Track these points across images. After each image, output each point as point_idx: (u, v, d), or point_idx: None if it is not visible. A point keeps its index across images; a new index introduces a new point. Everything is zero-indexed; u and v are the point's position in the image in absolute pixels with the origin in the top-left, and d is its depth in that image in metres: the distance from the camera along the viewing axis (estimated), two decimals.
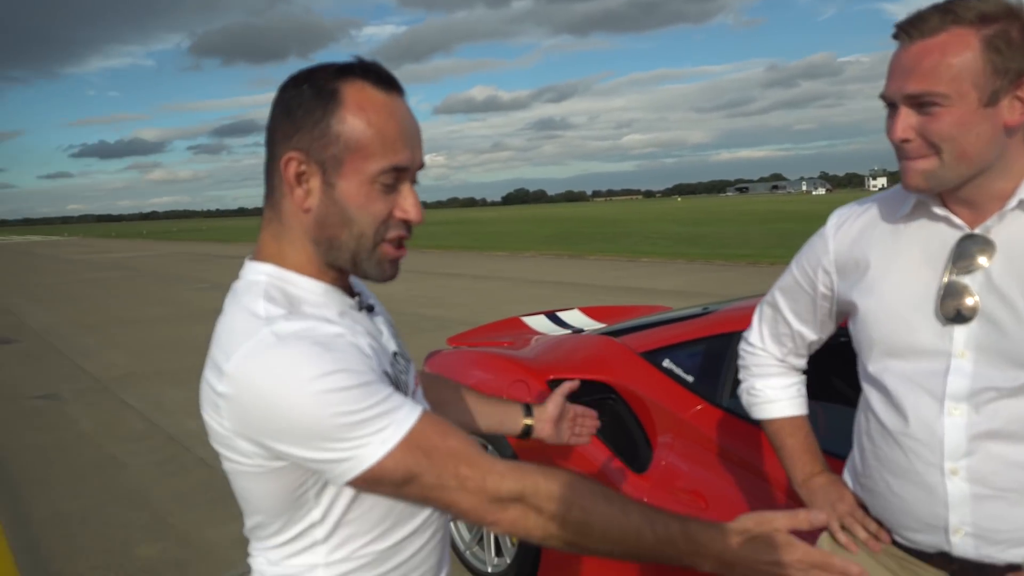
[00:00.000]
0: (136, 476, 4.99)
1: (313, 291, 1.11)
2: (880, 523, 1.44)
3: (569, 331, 4.22)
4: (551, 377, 3.09)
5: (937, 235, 1.29)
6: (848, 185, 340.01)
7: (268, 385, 0.98)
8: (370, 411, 0.99)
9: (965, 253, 1.25)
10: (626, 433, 2.81)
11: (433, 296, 13.26)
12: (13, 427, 6.30)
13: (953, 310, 1.26)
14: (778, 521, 1.02)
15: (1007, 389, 1.23)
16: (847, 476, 1.55)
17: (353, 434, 0.99)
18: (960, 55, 1.14)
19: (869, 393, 1.40)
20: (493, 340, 4.15)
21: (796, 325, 1.56)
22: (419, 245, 30.10)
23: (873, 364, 1.36)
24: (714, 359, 2.73)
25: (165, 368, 8.26)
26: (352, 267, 1.12)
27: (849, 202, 1.47)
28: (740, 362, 1.69)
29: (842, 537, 1.49)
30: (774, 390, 1.62)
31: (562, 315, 4.69)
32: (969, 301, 1.25)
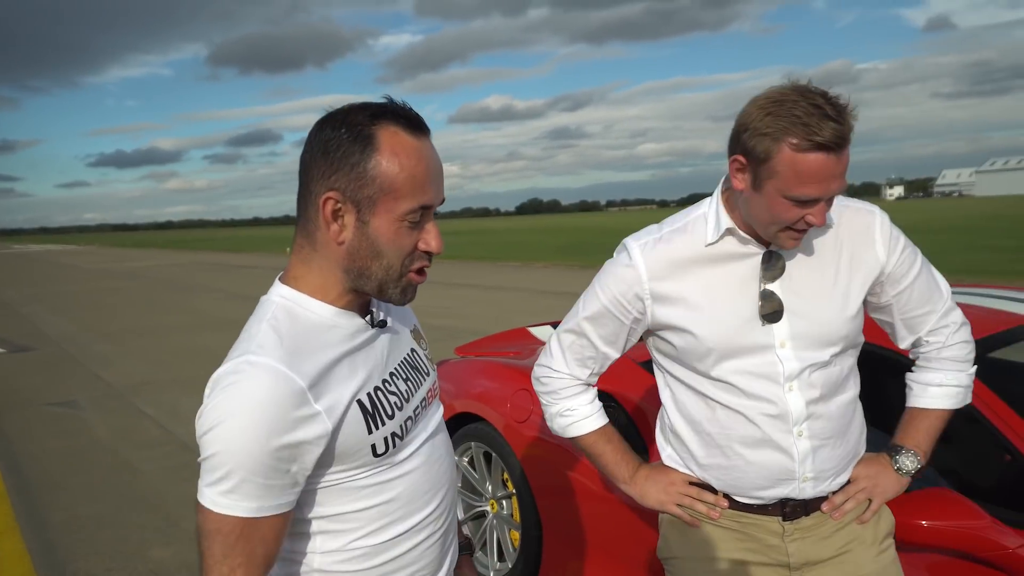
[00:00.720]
0: (150, 481, 5.09)
1: (322, 314, 1.22)
2: (715, 491, 1.72)
3: None
4: None
5: (744, 256, 1.62)
6: (864, 194, 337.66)
7: (217, 399, 1.10)
8: (240, 477, 1.09)
9: (768, 267, 1.61)
10: (625, 439, 2.88)
11: (444, 306, 13.36)
12: (31, 434, 6.44)
13: (769, 312, 1.60)
14: None
15: (821, 362, 1.62)
16: (672, 464, 1.79)
17: (214, 472, 1.10)
18: (847, 162, 1.47)
19: (713, 390, 1.66)
20: (500, 350, 4.23)
21: (603, 348, 1.75)
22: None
23: (716, 368, 1.64)
24: None
25: (180, 376, 8.39)
26: (377, 293, 1.23)
27: (646, 229, 1.71)
28: (543, 388, 1.85)
29: (685, 516, 1.75)
30: (585, 407, 1.81)
31: None
32: (778, 303, 1.60)
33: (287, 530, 1.18)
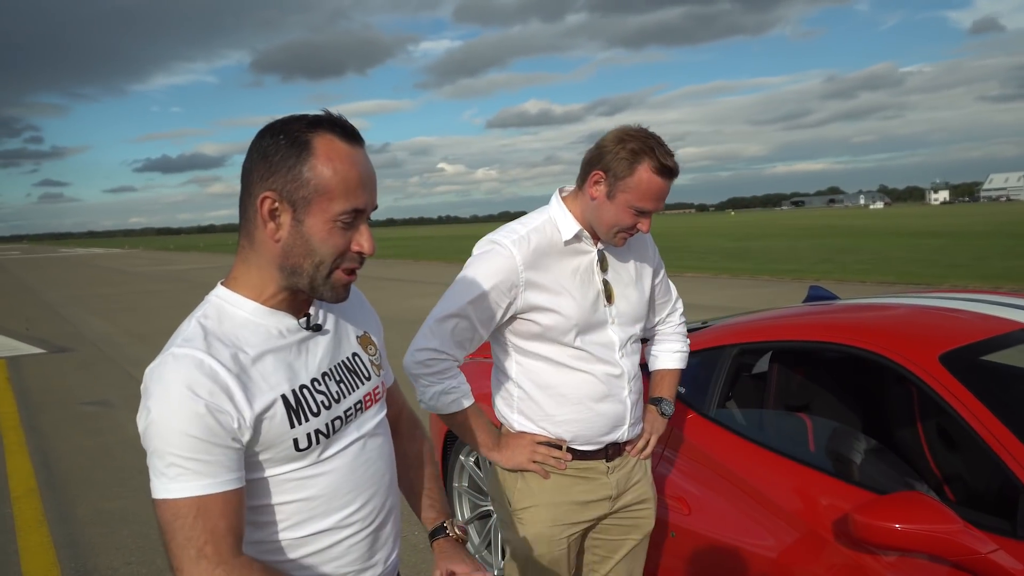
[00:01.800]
0: None
1: (251, 313, 1.30)
2: (560, 447, 2.14)
3: None
4: None
5: (586, 253, 2.11)
6: (908, 199, 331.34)
7: (147, 393, 1.19)
8: (182, 459, 1.16)
9: (601, 262, 2.12)
10: None
11: None
12: (64, 431, 6.63)
13: (607, 297, 2.12)
14: None
15: (635, 336, 2.20)
16: (523, 427, 2.18)
17: (158, 464, 1.17)
18: None
19: (570, 359, 2.09)
20: None
21: (480, 330, 2.08)
22: None
23: (576, 340, 2.08)
24: (707, 371, 2.83)
25: None
26: (310, 291, 1.30)
27: (502, 230, 2.08)
28: (428, 370, 2.08)
29: (540, 470, 2.14)
30: (464, 384, 2.13)
31: None
32: (612, 288, 2.13)
33: (244, 506, 1.24)
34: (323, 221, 1.24)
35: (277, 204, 1.24)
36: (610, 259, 2.14)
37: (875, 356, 2.37)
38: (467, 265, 2.06)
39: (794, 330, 2.84)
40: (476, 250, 2.09)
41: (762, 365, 3.08)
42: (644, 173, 1.93)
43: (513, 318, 2.09)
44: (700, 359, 2.90)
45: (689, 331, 3.27)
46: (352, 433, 1.38)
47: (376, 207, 1.30)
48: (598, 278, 2.11)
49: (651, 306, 2.32)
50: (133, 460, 5.65)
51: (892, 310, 2.86)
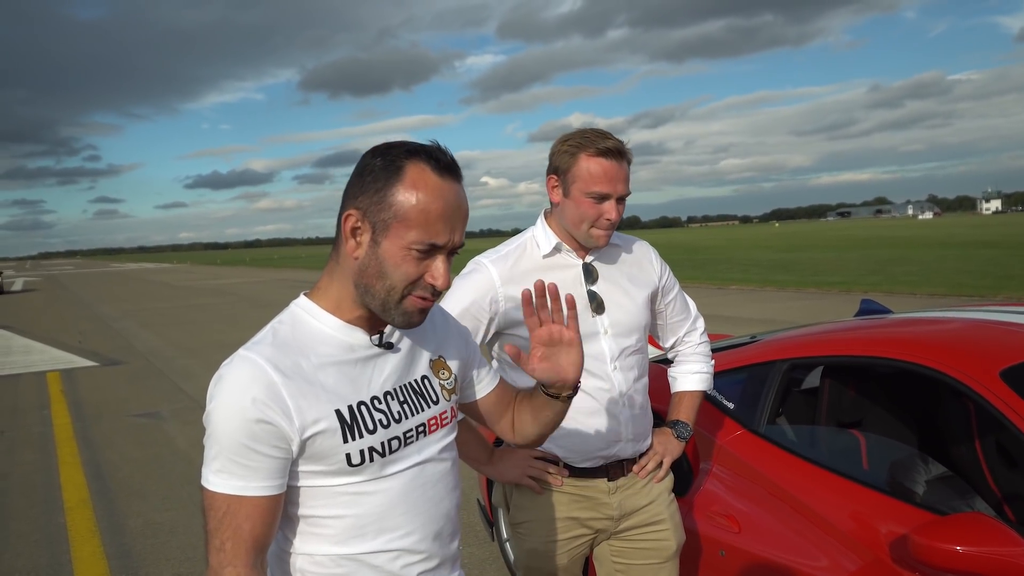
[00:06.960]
0: None
1: (329, 325, 1.33)
2: (558, 461, 2.16)
3: None
4: None
5: (570, 266, 2.15)
6: (959, 208, 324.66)
7: (214, 383, 1.25)
8: (224, 456, 1.22)
9: (588, 273, 2.15)
10: None
11: None
12: (116, 443, 6.76)
13: (595, 307, 2.13)
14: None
15: (631, 348, 2.18)
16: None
17: (208, 450, 1.24)
18: (628, 174, 2.07)
19: None
20: None
21: None
22: None
23: None
24: (755, 386, 2.78)
25: None
26: (381, 313, 1.31)
27: (487, 251, 2.17)
28: None
29: (535, 485, 2.16)
30: None
31: None
32: (601, 299, 2.14)
33: (277, 514, 1.27)
34: (398, 247, 1.25)
35: (359, 223, 1.27)
36: (601, 270, 2.17)
37: (932, 372, 2.31)
38: (451, 285, 2.09)
39: (847, 344, 2.78)
40: (468, 268, 2.16)
41: (812, 380, 3.02)
42: (585, 160, 2.01)
43: (498, 335, 2.13)
44: (749, 374, 2.85)
45: (737, 346, 3.24)
46: (412, 456, 1.37)
47: (461, 244, 1.30)
48: (583, 290, 2.13)
49: (664, 323, 2.33)
50: (182, 472, 5.74)
51: (948, 324, 2.79)
